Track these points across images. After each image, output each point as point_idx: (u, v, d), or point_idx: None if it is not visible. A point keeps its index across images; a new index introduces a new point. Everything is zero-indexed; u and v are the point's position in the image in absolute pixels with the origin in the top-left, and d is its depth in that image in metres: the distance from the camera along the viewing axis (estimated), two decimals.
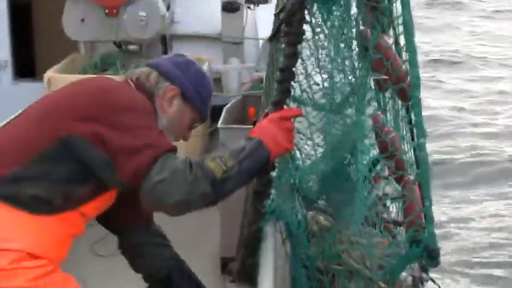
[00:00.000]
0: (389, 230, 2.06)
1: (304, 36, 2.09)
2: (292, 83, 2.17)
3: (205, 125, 5.55)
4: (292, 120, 2.17)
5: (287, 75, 2.11)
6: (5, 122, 2.20)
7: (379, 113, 2.09)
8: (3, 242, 1.97)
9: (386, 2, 1.82)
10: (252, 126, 3.77)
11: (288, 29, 2.04)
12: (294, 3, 1.96)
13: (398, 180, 1.91)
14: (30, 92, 5.67)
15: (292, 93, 2.22)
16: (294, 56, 2.08)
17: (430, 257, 1.72)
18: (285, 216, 2.26)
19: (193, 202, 1.95)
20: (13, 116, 2.22)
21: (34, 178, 2.01)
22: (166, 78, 2.24)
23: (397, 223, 2.07)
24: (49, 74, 5.02)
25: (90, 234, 4.49)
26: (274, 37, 2.58)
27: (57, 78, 4.95)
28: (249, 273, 2.37)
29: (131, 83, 2.22)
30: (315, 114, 2.44)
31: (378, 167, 2.20)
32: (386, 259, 1.93)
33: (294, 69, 2.12)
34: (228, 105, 4.41)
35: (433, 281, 2.15)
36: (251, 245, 2.33)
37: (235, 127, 3.99)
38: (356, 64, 2.10)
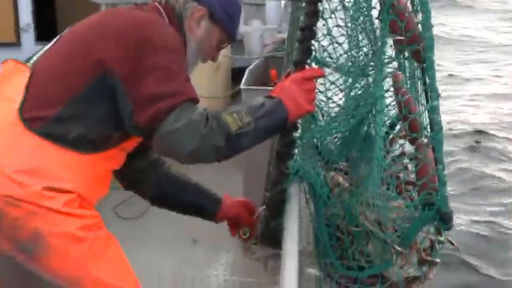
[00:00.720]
0: (405, 192, 2.05)
1: None
2: (313, 42, 2.14)
3: (227, 87, 5.55)
4: (315, 80, 2.15)
5: (308, 34, 2.08)
6: (41, 52, 2.18)
7: (399, 72, 2.06)
8: (56, 181, 1.99)
9: None
10: (270, 87, 3.78)
11: None
12: None
13: (412, 142, 1.89)
14: None
15: (313, 53, 2.19)
16: (314, 14, 2.05)
17: (443, 220, 1.72)
18: (309, 177, 2.26)
19: (205, 154, 1.95)
20: (48, 46, 2.20)
21: (76, 118, 2.04)
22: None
23: (409, 183, 2.05)
24: None
25: (113, 197, 4.55)
26: None
27: None
28: (272, 235, 2.37)
29: (160, 8, 2.22)
30: (337, 75, 2.42)
31: (397, 128, 2.18)
32: (399, 222, 1.93)
33: (314, 28, 2.08)
34: (250, 67, 4.39)
35: (451, 242, 2.15)
36: (275, 207, 2.33)
37: (257, 88, 3.96)
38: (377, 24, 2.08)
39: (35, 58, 2.17)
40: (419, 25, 1.69)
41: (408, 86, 1.99)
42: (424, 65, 1.70)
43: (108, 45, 2.01)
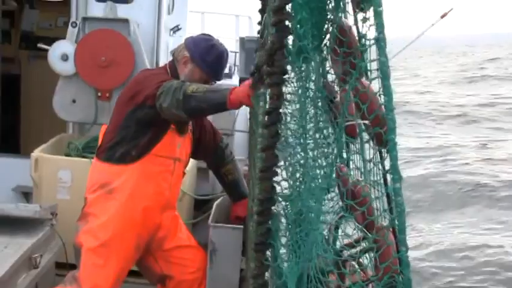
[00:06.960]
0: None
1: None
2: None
3: (189, 216, 5.50)
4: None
5: (274, 117, 2.14)
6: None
7: (342, 165, 2.13)
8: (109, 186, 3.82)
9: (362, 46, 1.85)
10: (240, 225, 3.76)
11: (270, 69, 2.05)
12: (275, 41, 1.98)
13: (370, 227, 1.91)
14: (14, 167, 5.70)
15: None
16: (278, 98, 2.12)
17: None
18: None
19: (172, 104, 3.49)
20: None
21: (118, 142, 3.79)
22: (185, 49, 3.88)
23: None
24: (36, 153, 5.07)
25: None
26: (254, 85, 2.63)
27: (44, 158, 5.07)
28: None
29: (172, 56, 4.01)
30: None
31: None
32: None
33: (280, 111, 2.16)
34: (218, 201, 4.39)
35: None
36: None
37: (226, 226, 4.01)
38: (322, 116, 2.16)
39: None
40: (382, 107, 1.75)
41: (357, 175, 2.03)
42: (387, 147, 1.74)
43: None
